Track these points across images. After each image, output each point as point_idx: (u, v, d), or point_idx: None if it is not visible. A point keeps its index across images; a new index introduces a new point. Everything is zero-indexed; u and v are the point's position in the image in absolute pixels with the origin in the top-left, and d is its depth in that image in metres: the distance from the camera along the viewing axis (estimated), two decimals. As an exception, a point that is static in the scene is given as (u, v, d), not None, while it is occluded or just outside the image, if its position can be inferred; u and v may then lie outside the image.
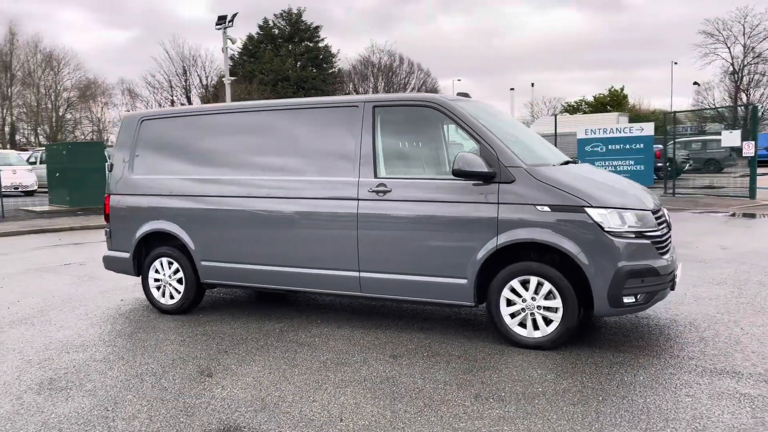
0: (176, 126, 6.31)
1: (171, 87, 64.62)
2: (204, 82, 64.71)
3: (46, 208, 18.23)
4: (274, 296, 6.94)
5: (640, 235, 4.66)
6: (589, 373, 4.31)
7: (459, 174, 4.81)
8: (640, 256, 4.64)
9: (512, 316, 4.91)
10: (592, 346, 4.89)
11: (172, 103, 65.85)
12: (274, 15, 61.69)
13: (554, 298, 4.75)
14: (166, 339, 5.40)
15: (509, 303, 4.90)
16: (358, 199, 5.29)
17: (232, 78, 20.40)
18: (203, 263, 6.02)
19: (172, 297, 6.26)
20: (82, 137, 53.40)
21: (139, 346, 5.22)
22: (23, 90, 52.16)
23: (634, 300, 4.65)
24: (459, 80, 62.02)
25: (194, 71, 64.95)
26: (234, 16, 18.50)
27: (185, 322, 5.97)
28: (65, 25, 78.43)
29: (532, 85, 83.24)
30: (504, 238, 4.81)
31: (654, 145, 20.15)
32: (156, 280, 6.34)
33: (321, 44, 61.30)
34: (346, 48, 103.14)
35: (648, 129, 18.31)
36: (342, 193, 5.36)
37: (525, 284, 4.84)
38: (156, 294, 6.35)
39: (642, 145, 18.09)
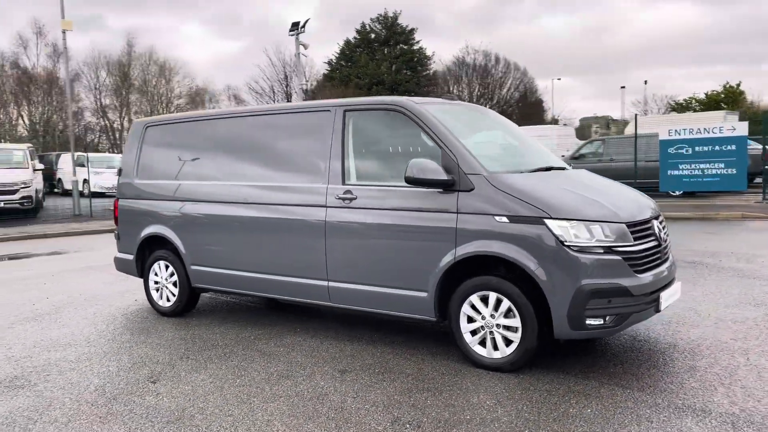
0: (173, 132, 6.45)
1: (273, 92, 67.25)
2: (304, 88, 66.77)
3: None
4: (279, 302, 6.93)
5: (609, 250, 4.19)
6: (535, 401, 3.92)
7: (411, 181, 4.55)
8: (608, 273, 4.16)
9: (473, 333, 4.58)
10: (561, 369, 4.45)
11: (274, 107, 68.32)
12: (371, 19, 62.48)
13: (514, 316, 4.37)
14: (144, 342, 5.51)
15: (470, 320, 4.58)
16: (326, 207, 5.15)
17: (304, 84, 20.77)
18: (192, 267, 6.11)
19: (168, 300, 6.41)
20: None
21: (115, 347, 5.36)
22: (140, 98, 56.02)
23: (601, 322, 4.19)
24: (558, 79, 59.88)
25: (294, 77, 67.18)
26: (306, 22, 18.81)
27: (175, 324, 6.07)
28: (185, 37, 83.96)
29: (645, 82, 78.85)
30: (462, 251, 4.49)
31: (752, 145, 18.44)
32: (156, 282, 6.51)
33: (416, 47, 61.36)
34: (444, 50, 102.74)
35: (741, 129, 16.66)
36: (312, 200, 5.24)
37: (485, 300, 4.49)
38: (155, 296, 6.53)
39: (734, 147, 16.52)
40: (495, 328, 4.46)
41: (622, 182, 5.66)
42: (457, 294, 4.58)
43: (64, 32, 17.78)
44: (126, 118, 56.17)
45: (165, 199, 6.31)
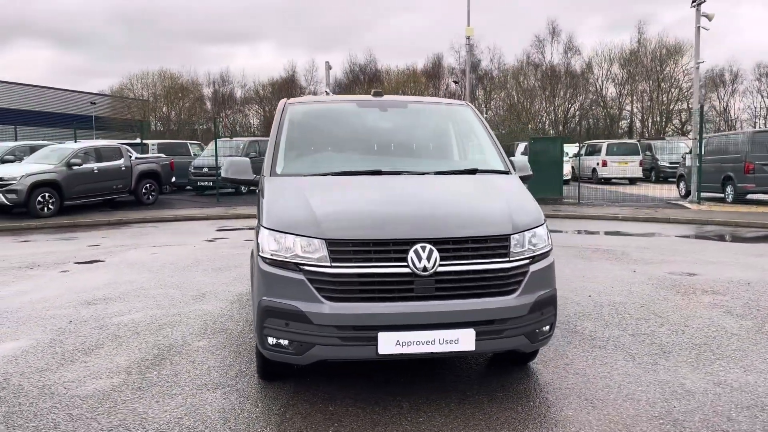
0: None
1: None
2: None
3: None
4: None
5: (297, 267, 3.68)
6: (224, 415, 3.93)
7: (224, 180, 4.81)
8: (289, 293, 3.66)
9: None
10: (318, 389, 4.07)
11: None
12: None
13: (261, 323, 4.25)
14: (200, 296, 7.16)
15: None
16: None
17: (701, 62, 17.32)
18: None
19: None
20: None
21: (191, 308, 7.17)
22: (649, 84, 55.25)
23: (285, 346, 3.72)
24: None
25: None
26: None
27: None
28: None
29: None
30: (257, 251, 4.57)
31: None
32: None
33: None
34: None
35: None
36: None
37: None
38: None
39: None
40: (261, 333, 4.41)
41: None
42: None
43: (468, 38, 20.16)
44: (636, 105, 56.24)
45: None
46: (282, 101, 5.14)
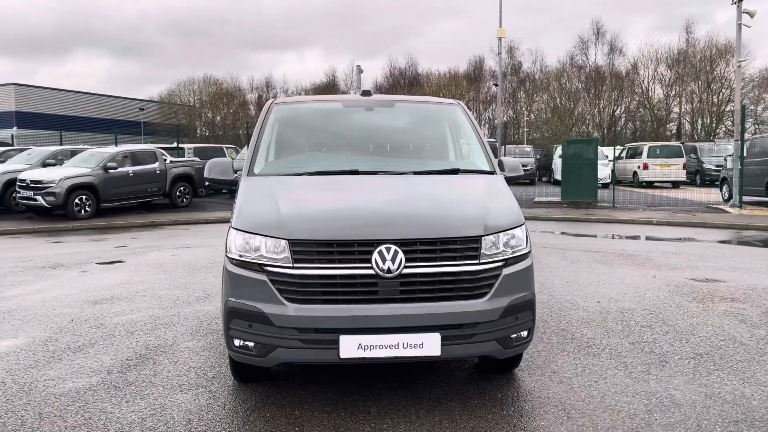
0: None
1: None
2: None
3: (556, 199, 20.21)
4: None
5: (259, 268, 3.63)
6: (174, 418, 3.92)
7: (207, 180, 4.80)
8: (252, 294, 3.62)
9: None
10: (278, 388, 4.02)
11: None
12: None
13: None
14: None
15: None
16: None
17: (743, 60, 16.56)
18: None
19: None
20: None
21: (191, 309, 7.24)
22: (699, 85, 53.51)
23: (250, 347, 3.67)
24: None
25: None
26: (751, -17, 15.03)
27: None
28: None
29: None
30: (234, 251, 4.54)
31: None
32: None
33: None
34: None
35: None
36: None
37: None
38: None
39: None
40: (235, 333, 4.38)
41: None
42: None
43: (500, 39, 19.88)
44: (685, 107, 54.56)
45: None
46: (268, 101, 5.12)
